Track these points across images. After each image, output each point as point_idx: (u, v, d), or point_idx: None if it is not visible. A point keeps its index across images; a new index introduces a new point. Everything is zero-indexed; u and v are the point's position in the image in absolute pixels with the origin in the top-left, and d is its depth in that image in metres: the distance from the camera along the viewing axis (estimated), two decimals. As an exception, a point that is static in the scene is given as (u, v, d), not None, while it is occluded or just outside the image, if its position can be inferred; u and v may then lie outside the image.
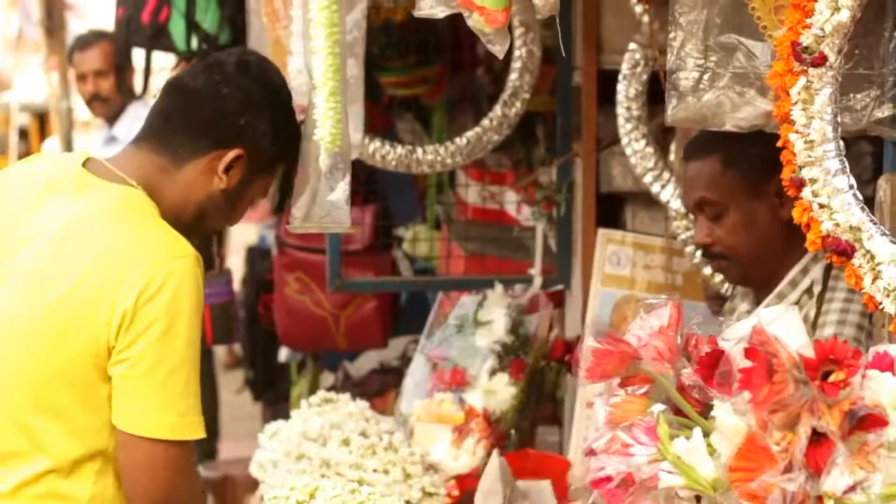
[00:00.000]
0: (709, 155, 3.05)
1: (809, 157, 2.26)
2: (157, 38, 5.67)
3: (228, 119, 2.79)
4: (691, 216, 3.37)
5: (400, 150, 4.29)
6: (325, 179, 2.71)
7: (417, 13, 2.50)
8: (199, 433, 2.67)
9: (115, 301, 2.61)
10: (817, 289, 2.96)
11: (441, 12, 2.48)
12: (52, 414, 2.68)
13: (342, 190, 2.72)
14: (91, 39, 7.14)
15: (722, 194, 3.02)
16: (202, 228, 2.90)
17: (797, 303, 2.96)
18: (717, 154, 3.03)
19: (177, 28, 5.35)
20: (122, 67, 6.64)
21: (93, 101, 7.03)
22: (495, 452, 2.86)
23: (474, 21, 2.43)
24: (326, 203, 2.72)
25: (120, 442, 2.66)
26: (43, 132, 12.34)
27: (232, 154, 2.79)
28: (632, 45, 3.80)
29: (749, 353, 1.90)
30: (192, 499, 2.78)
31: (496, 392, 4.11)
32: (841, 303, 2.90)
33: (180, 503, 2.72)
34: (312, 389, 5.72)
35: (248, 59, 2.89)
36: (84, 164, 2.82)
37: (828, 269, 2.96)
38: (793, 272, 2.99)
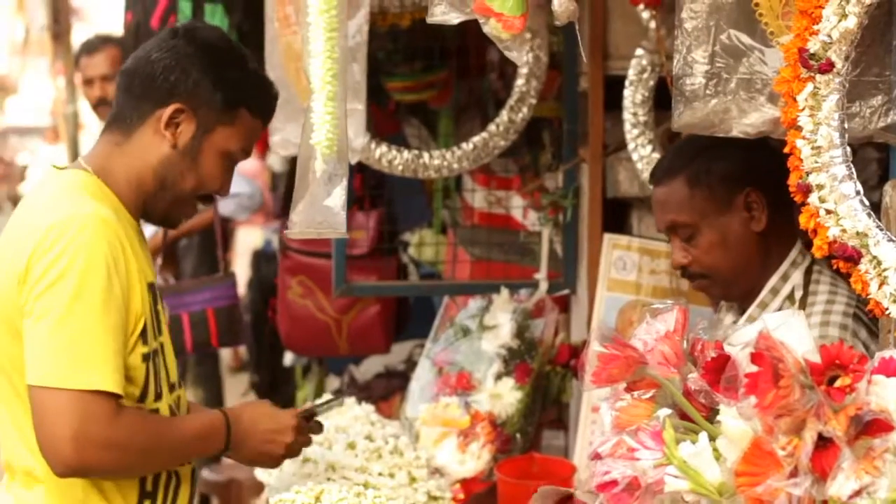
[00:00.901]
0: (674, 177, 3.07)
1: (816, 162, 2.26)
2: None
3: (159, 78, 2.86)
4: None
5: (407, 154, 4.30)
6: (321, 184, 2.71)
7: (430, 19, 2.50)
8: (97, 384, 2.63)
9: (18, 263, 2.69)
10: (798, 294, 2.99)
11: (455, 18, 2.47)
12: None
13: (339, 195, 2.71)
14: (98, 44, 7.15)
15: (691, 215, 3.03)
16: (174, 196, 2.91)
17: (779, 309, 2.97)
18: (681, 175, 3.05)
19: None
20: None
21: (99, 105, 7.04)
22: None
23: (491, 27, 2.41)
24: (323, 208, 2.72)
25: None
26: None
27: (169, 109, 2.85)
28: (638, 51, 3.80)
29: (755, 357, 1.90)
30: (119, 456, 2.69)
31: (502, 396, 4.11)
32: (823, 305, 2.92)
33: (97, 458, 2.65)
34: (318, 393, 5.73)
35: (178, 26, 2.97)
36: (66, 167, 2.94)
37: (807, 273, 3.00)
38: (773, 280, 3.01)
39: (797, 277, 3.00)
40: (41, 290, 2.65)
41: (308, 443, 3.09)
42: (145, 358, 2.79)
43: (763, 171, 2.95)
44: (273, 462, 3.04)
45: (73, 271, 2.64)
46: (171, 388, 2.92)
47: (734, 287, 3.07)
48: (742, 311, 3.09)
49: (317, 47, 2.65)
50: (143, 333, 2.77)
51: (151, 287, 2.85)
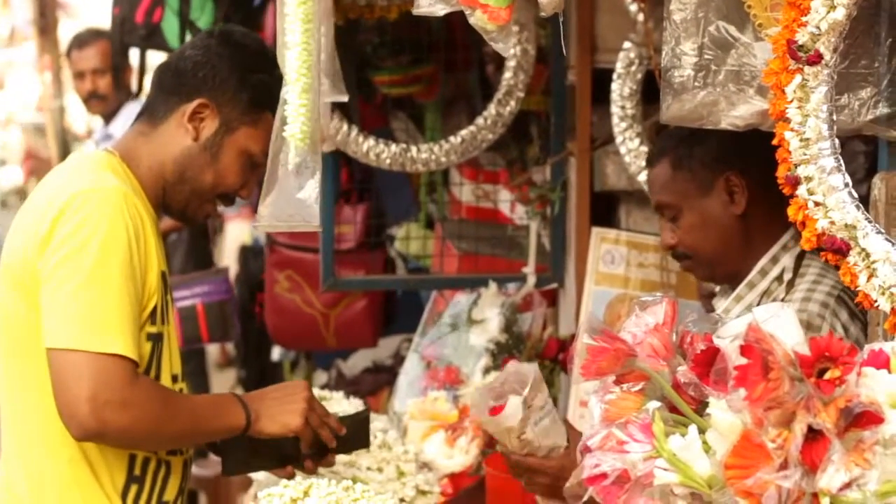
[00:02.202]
0: (660, 159, 3.14)
1: (805, 154, 2.26)
2: (151, 38, 5.70)
3: (189, 73, 2.95)
4: None
5: (394, 148, 4.30)
6: (293, 177, 2.71)
7: (416, 11, 2.49)
8: (115, 348, 2.66)
9: (39, 229, 2.74)
10: (788, 276, 3.02)
11: (441, 10, 2.46)
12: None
13: (311, 188, 2.71)
14: (89, 38, 7.15)
15: (674, 196, 3.09)
16: (192, 190, 2.95)
17: (766, 290, 3.03)
18: (666, 158, 3.12)
19: (170, 27, 5.35)
20: (118, 66, 6.67)
21: (90, 98, 7.04)
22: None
23: (477, 18, 2.41)
24: (295, 201, 2.71)
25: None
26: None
27: (194, 103, 2.92)
28: (626, 44, 3.80)
29: (745, 350, 1.89)
30: (134, 419, 2.69)
31: (490, 390, 4.10)
32: (809, 283, 2.96)
33: (114, 421, 2.66)
34: (305, 388, 5.71)
35: (215, 28, 3.03)
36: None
37: (799, 257, 3.03)
38: (762, 262, 3.05)
39: (787, 261, 3.03)
40: (62, 257, 2.70)
41: (330, 423, 3.05)
42: (151, 337, 2.83)
43: (747, 155, 2.99)
44: (298, 430, 2.97)
45: (96, 239, 2.69)
46: (174, 379, 2.95)
47: (717, 268, 3.11)
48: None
49: (293, 38, 2.65)
50: (153, 313, 2.82)
51: (163, 276, 2.88)
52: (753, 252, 3.05)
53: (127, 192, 2.78)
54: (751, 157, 2.98)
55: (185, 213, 3.01)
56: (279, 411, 2.94)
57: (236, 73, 2.93)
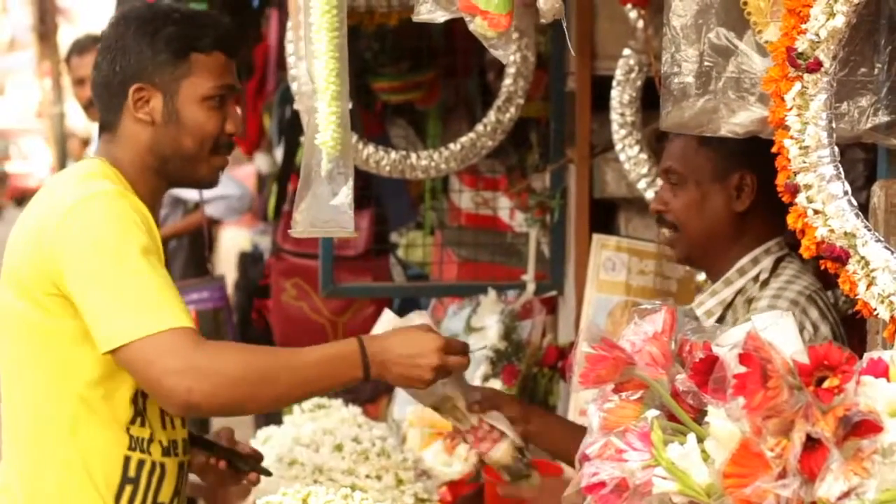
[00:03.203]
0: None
1: (804, 162, 2.26)
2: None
3: (109, 72, 2.92)
4: None
5: (394, 155, 4.30)
6: (326, 184, 2.71)
7: (416, 17, 2.48)
8: (168, 323, 2.66)
9: (43, 237, 2.75)
10: (764, 276, 3.05)
11: (441, 17, 2.46)
12: None
13: (345, 194, 2.72)
14: (89, 44, 7.14)
15: (688, 169, 3.10)
16: (183, 159, 2.93)
17: (741, 289, 3.06)
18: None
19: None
20: None
21: (90, 105, 7.03)
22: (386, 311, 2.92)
23: (477, 25, 2.41)
24: (329, 208, 2.72)
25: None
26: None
27: (130, 94, 2.89)
28: (626, 51, 3.80)
29: (743, 358, 1.89)
30: (218, 382, 2.68)
31: (489, 398, 4.10)
32: (781, 283, 3.00)
33: (199, 390, 2.66)
34: (306, 395, 5.70)
35: (108, 22, 3.05)
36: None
37: (778, 260, 3.06)
38: (743, 260, 3.07)
39: (767, 263, 3.07)
40: (85, 262, 2.70)
41: (465, 364, 2.94)
42: None
43: (767, 161, 3.01)
44: (424, 384, 2.87)
45: (111, 237, 2.70)
46: None
47: (696, 251, 3.13)
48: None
49: (320, 47, 2.65)
50: None
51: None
52: (736, 250, 3.08)
53: (126, 192, 2.80)
54: (771, 164, 3.01)
55: (194, 179, 3.01)
56: (405, 377, 2.84)
57: (143, 42, 2.89)
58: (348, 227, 2.73)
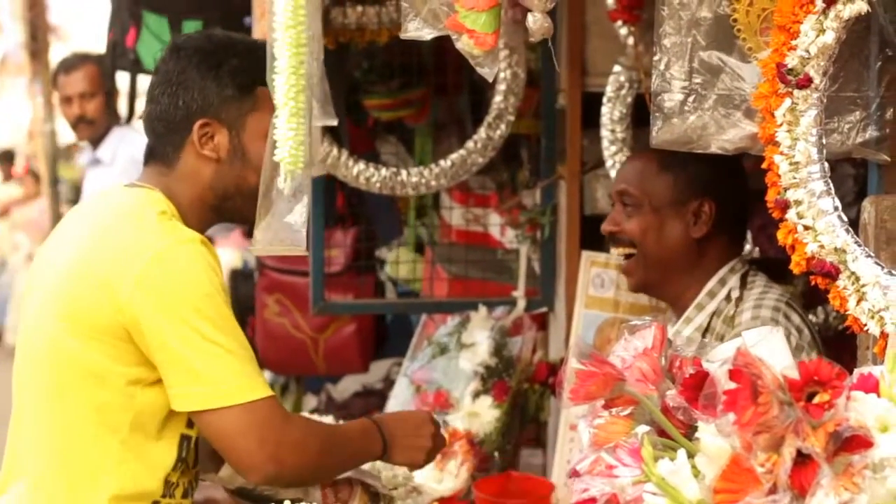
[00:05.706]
0: (649, 154, 3.14)
1: (794, 178, 2.26)
2: (140, 63, 5.69)
3: (171, 109, 2.84)
4: None
5: (384, 172, 4.30)
6: (284, 201, 2.70)
7: (404, 35, 2.49)
8: (261, 393, 2.66)
9: (114, 285, 2.65)
10: (735, 294, 3.08)
11: (428, 34, 2.46)
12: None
13: (300, 212, 2.69)
14: (76, 62, 7.13)
15: (646, 193, 3.12)
16: (244, 197, 2.86)
17: (716, 311, 3.08)
18: (657, 156, 3.11)
19: (147, 49, 5.36)
20: (109, 91, 6.67)
21: (78, 123, 7.02)
22: None
23: (463, 44, 2.41)
24: (284, 225, 2.71)
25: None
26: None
27: (195, 130, 2.83)
28: (616, 68, 3.80)
29: (733, 374, 1.89)
30: (302, 454, 2.72)
31: (479, 414, 4.10)
32: (757, 294, 3.04)
33: (289, 461, 2.68)
34: (296, 412, 5.70)
35: (162, 54, 2.93)
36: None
37: (744, 276, 3.10)
38: (710, 284, 3.11)
39: (734, 281, 3.10)
40: (172, 316, 2.63)
41: (443, 442, 3.15)
42: None
43: (727, 188, 3.06)
44: (419, 467, 3.08)
45: (200, 292, 2.65)
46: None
47: (653, 276, 3.15)
48: (677, 316, 3.17)
49: (282, 63, 2.63)
50: None
51: None
52: (695, 276, 3.11)
53: (202, 238, 2.74)
54: (730, 190, 3.11)
55: (249, 216, 2.85)
56: (409, 445, 2.99)
57: (208, 76, 2.83)
58: (300, 245, 2.71)
